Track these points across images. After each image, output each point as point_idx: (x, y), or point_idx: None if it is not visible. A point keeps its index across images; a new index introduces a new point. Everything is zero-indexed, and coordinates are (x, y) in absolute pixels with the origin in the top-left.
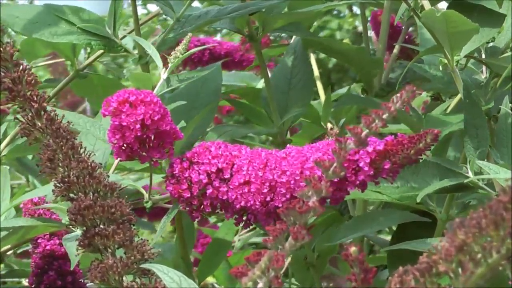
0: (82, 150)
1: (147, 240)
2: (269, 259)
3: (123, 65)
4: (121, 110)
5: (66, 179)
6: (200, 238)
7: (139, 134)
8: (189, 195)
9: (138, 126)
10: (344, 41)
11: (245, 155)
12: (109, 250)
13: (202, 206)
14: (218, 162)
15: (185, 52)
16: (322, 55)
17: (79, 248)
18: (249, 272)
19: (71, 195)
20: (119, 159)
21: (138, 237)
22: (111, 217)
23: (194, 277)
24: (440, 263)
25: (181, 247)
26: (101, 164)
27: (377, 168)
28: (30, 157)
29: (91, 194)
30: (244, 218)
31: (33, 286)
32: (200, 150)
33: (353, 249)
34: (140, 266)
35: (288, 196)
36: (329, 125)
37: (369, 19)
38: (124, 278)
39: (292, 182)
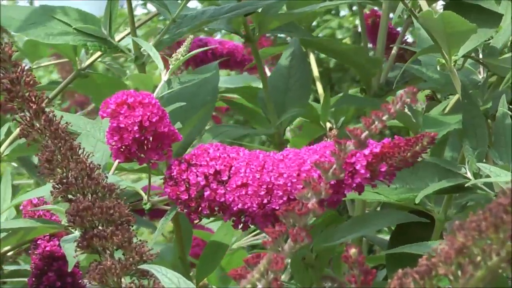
0: (80, 151)
1: (146, 241)
2: (268, 261)
3: (123, 65)
4: (119, 112)
5: (64, 180)
6: None
7: (137, 136)
8: (187, 197)
9: (136, 128)
10: (345, 40)
11: (243, 157)
12: (108, 252)
13: (200, 208)
14: (216, 164)
15: (186, 54)
16: (323, 55)
17: (78, 249)
18: (248, 274)
19: (70, 196)
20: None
21: (137, 239)
22: (110, 218)
23: (192, 278)
24: (439, 266)
25: (179, 248)
26: (99, 165)
27: (373, 170)
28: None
29: (89, 195)
30: (242, 220)
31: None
32: (198, 152)
33: (352, 250)
34: (139, 267)
35: (285, 198)
36: (328, 125)
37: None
38: (122, 279)
39: (289, 184)
